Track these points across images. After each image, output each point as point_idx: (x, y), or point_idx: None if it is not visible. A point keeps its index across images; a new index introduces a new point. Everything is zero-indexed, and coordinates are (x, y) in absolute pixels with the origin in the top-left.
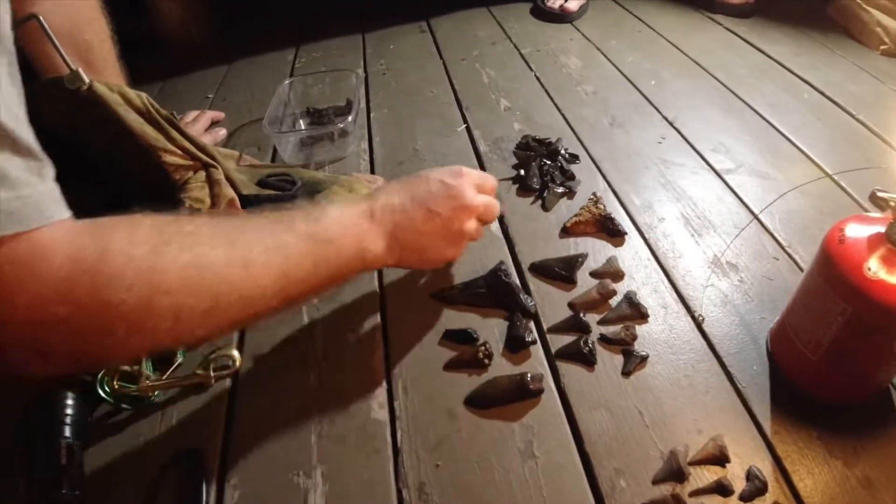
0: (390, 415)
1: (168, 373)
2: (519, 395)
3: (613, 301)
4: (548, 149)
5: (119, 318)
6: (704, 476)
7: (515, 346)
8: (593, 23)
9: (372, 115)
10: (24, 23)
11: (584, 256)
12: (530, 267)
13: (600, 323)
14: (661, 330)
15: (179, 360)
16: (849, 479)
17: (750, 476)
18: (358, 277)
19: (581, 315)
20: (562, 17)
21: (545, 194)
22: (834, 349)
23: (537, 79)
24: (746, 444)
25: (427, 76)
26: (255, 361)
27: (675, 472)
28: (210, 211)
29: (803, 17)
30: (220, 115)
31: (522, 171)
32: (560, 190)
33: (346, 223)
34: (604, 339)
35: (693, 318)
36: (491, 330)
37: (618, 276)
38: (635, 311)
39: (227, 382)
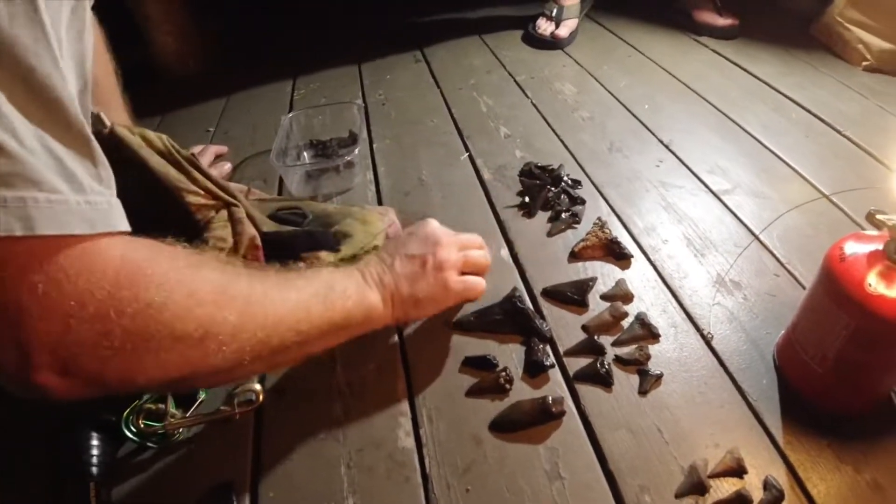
0: (417, 443)
1: (192, 409)
2: (542, 418)
3: (625, 322)
4: (551, 175)
5: (158, 322)
6: (724, 488)
7: (535, 370)
8: (584, 49)
9: (374, 145)
10: None
11: (594, 280)
12: (542, 292)
13: (614, 344)
14: (673, 349)
15: (202, 396)
16: (859, 484)
17: (767, 485)
18: None
19: (595, 337)
20: (553, 43)
21: (553, 221)
22: (839, 361)
23: (534, 106)
24: (761, 454)
25: (426, 105)
26: (279, 395)
27: (696, 486)
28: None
29: (787, 36)
30: (223, 148)
31: (527, 198)
32: (567, 215)
33: (342, 275)
34: (619, 360)
35: (702, 335)
36: (509, 355)
37: (627, 298)
38: (647, 332)
39: (252, 417)
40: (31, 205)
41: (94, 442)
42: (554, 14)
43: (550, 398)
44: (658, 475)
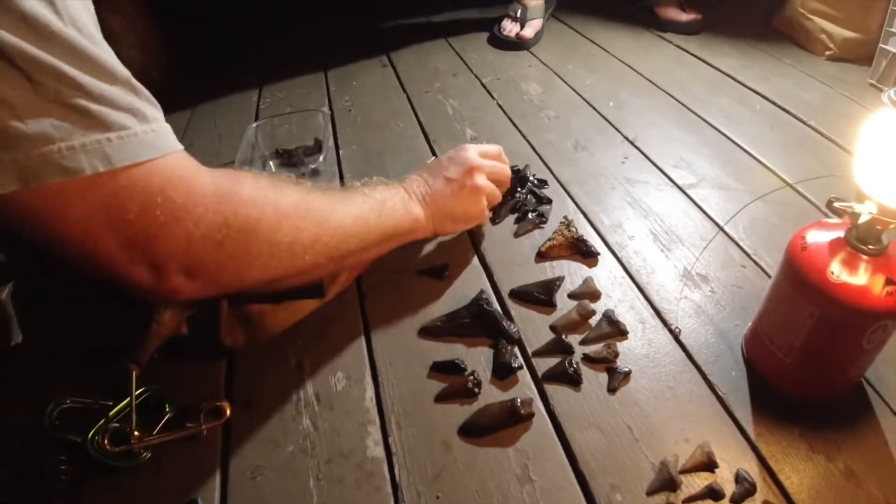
0: (386, 451)
1: (158, 427)
2: (510, 420)
3: (593, 321)
4: (517, 175)
5: (256, 232)
6: (695, 483)
7: (503, 372)
8: (549, 48)
9: (341, 151)
10: None
11: (561, 279)
12: (510, 293)
13: (582, 343)
14: (641, 345)
15: (169, 413)
16: (832, 473)
17: (739, 479)
18: (343, 313)
19: (563, 337)
20: (518, 44)
21: (520, 221)
22: (806, 350)
23: (500, 107)
24: (732, 448)
25: (392, 110)
26: (246, 408)
27: (667, 482)
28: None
29: (750, 30)
30: None
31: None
32: (533, 216)
33: (391, 192)
34: (587, 359)
35: (670, 330)
36: (478, 359)
37: (595, 296)
38: (615, 329)
39: (219, 432)
40: (131, 136)
41: (62, 466)
42: (519, 15)
43: (519, 400)
44: (629, 473)
